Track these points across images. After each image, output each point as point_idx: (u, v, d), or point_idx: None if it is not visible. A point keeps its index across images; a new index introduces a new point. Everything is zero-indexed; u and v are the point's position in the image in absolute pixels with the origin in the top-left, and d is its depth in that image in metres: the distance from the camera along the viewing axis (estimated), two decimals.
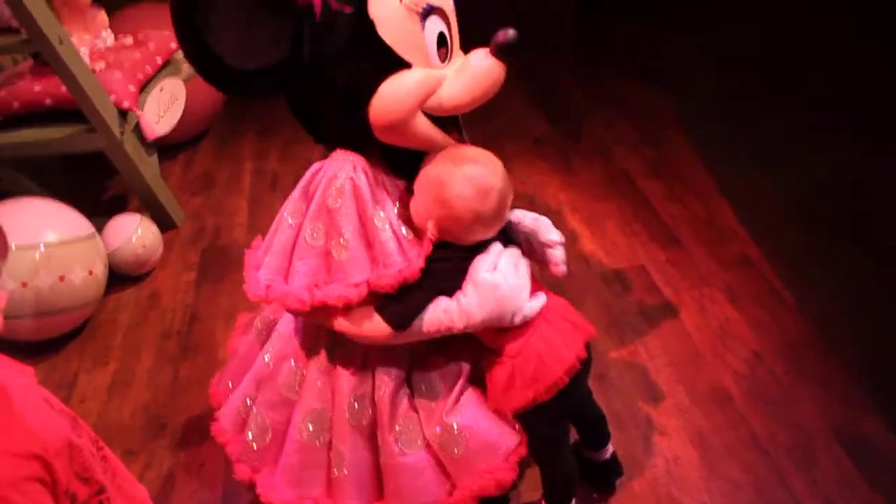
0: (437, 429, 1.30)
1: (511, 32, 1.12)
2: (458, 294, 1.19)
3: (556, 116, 3.18)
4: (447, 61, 1.17)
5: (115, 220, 2.35)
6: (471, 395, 1.34)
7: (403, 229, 1.20)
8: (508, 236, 1.30)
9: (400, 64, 1.11)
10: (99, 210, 2.50)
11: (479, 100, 1.18)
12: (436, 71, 1.14)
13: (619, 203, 2.53)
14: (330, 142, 1.22)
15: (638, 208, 2.50)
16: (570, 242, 2.23)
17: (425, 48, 1.12)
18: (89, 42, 2.60)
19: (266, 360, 1.39)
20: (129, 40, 2.68)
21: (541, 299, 1.24)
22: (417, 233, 1.21)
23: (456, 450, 1.29)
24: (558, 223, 1.34)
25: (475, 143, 1.28)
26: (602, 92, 3.36)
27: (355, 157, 1.17)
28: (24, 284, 1.91)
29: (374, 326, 1.20)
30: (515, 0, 3.32)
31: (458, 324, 1.18)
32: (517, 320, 1.21)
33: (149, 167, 2.49)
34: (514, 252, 1.25)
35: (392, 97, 1.10)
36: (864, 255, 2.13)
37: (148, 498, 1.08)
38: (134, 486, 1.04)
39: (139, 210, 2.52)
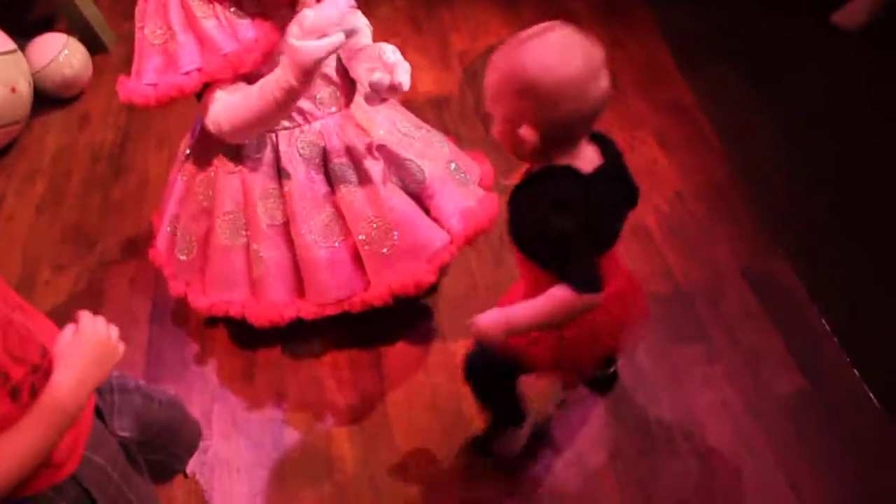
0: (365, 225, 1.33)
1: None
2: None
3: None
4: None
5: (39, 38, 2.26)
6: (402, 195, 1.37)
7: (240, 23, 1.18)
8: None
9: None
10: (23, 30, 2.37)
11: None
12: None
13: None
14: None
15: None
16: None
17: None
18: None
19: (182, 178, 1.42)
20: None
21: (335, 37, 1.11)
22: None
23: (384, 248, 1.34)
24: None
25: None
26: None
27: None
28: None
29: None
30: None
31: (285, 85, 1.13)
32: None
33: None
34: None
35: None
36: (796, 109, 2.16)
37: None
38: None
39: (67, 31, 2.41)
